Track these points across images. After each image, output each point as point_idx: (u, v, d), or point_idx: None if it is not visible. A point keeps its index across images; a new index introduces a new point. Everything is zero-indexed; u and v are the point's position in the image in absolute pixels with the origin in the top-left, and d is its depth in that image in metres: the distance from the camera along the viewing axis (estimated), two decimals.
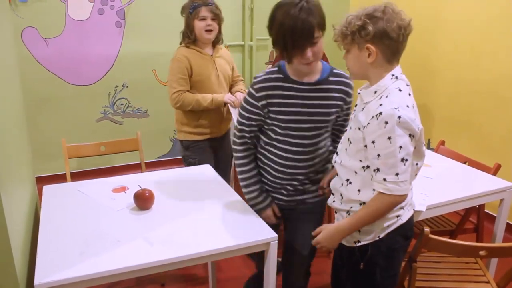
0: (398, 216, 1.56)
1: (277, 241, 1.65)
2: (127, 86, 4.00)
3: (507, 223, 2.50)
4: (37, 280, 1.36)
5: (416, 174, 1.60)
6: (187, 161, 2.70)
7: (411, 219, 1.63)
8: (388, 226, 1.56)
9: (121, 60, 3.91)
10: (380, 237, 1.57)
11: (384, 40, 1.43)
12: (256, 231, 1.67)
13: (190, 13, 2.50)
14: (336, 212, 1.71)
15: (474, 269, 2.03)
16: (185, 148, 2.71)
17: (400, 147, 1.40)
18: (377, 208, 1.50)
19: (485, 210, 2.62)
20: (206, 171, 2.25)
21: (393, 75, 1.48)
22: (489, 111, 3.23)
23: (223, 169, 2.76)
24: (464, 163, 2.50)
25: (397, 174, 1.43)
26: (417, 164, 1.55)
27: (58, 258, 1.48)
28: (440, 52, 3.59)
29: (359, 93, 1.58)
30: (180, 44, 2.66)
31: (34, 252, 1.52)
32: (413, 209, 1.66)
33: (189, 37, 2.58)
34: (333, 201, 1.70)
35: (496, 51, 3.13)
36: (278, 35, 1.63)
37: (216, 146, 2.78)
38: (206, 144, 2.71)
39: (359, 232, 1.59)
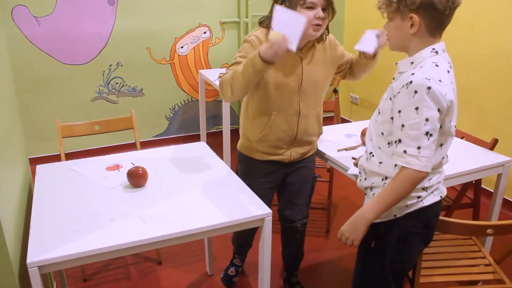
0: (419, 197, 1.49)
1: (271, 217, 1.64)
2: (121, 65, 3.96)
3: (504, 199, 2.50)
4: (29, 259, 1.34)
5: (444, 158, 1.52)
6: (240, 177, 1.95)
7: (436, 205, 1.54)
8: (406, 206, 1.49)
9: (115, 39, 3.85)
10: (396, 217, 1.50)
11: (430, 11, 1.36)
12: (251, 208, 1.65)
13: None
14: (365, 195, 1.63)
15: (469, 245, 2.03)
16: (239, 161, 2.12)
17: (427, 119, 1.34)
18: (398, 185, 1.41)
19: (482, 186, 2.61)
20: (200, 148, 2.23)
21: (433, 49, 1.42)
22: (488, 87, 3.20)
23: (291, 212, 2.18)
24: (461, 138, 2.48)
25: (418, 148, 1.36)
26: (441, 145, 1.47)
27: (51, 236, 1.47)
28: None
29: (396, 64, 1.51)
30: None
31: (27, 232, 1.51)
32: (441, 196, 1.56)
33: None
34: (359, 180, 1.63)
35: (495, 27, 3.08)
36: None
37: (285, 175, 2.11)
38: (269, 167, 2.04)
39: None
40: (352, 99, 4.73)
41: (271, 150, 1.98)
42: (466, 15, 3.27)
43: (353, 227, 1.48)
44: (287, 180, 2.11)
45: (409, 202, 1.48)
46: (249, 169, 2.07)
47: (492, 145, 2.39)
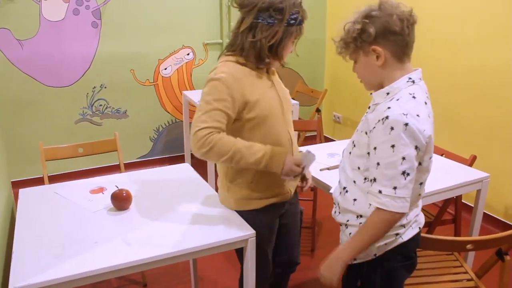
0: (397, 234, 1.44)
1: (255, 238, 1.65)
2: (105, 87, 3.96)
3: (484, 213, 2.55)
4: (11, 284, 1.33)
5: (420, 195, 1.47)
6: None
7: (415, 237, 1.50)
8: (385, 244, 1.44)
9: (99, 61, 3.87)
10: (376, 256, 1.46)
11: (389, 36, 1.31)
12: (235, 228, 1.67)
13: (290, 24, 1.58)
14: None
15: (451, 261, 2.05)
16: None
17: (403, 158, 1.27)
18: (372, 226, 1.36)
19: (462, 201, 2.66)
20: (184, 169, 2.24)
21: (410, 78, 1.36)
22: (466, 104, 3.28)
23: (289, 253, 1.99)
24: (441, 155, 2.53)
25: (394, 188, 1.29)
26: (421, 183, 1.42)
27: (34, 261, 1.46)
28: (417, 48, 3.62)
29: (371, 94, 1.44)
30: (224, 55, 1.68)
31: (10, 256, 1.50)
32: (419, 228, 1.52)
33: (261, 58, 1.60)
34: (334, 212, 1.59)
35: (470, 44, 3.18)
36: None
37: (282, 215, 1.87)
38: (270, 214, 1.79)
39: None
40: (335, 117, 4.79)
41: (271, 189, 1.74)
42: (442, 35, 3.37)
43: (329, 267, 1.43)
44: (281, 222, 1.88)
45: (387, 241, 1.44)
46: (258, 225, 1.70)
47: (471, 162, 2.44)
